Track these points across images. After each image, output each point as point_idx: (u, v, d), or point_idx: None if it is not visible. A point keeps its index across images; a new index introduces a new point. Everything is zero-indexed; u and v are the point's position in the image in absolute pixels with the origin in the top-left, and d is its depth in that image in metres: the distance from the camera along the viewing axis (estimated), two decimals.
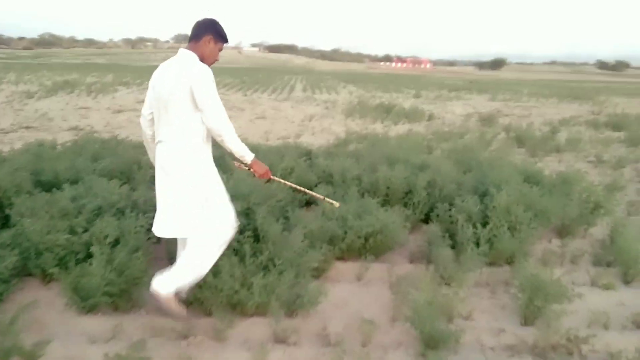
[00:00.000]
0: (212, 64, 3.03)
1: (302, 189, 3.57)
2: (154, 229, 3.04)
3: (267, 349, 2.75)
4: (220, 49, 3.08)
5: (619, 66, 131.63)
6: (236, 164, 3.23)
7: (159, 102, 2.91)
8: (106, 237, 3.49)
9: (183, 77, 2.80)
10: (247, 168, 3.15)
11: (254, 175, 3.16)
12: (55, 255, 3.37)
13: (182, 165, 2.89)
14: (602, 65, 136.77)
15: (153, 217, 3.09)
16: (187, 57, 2.92)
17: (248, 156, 3.03)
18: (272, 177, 3.25)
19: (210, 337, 2.93)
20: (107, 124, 11.14)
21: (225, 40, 3.08)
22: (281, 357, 2.74)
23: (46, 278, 3.47)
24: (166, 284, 2.85)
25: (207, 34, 2.96)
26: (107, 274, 3.10)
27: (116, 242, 3.47)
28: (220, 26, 3.03)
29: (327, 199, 3.56)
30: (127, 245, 3.41)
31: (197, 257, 2.94)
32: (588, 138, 10.69)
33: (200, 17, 3.05)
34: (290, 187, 3.54)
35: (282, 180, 3.47)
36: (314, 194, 3.64)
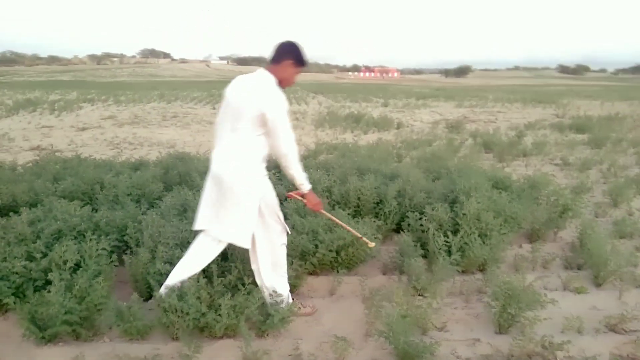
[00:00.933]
0: (287, 87, 3.06)
1: (344, 225, 3.57)
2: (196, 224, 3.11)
3: None
4: (299, 73, 3.10)
5: (580, 70, 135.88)
6: (288, 193, 3.32)
7: (225, 113, 2.99)
8: (66, 262, 3.33)
9: (257, 98, 2.86)
10: (300, 197, 3.20)
11: (305, 205, 3.28)
12: (11, 283, 3.19)
13: (232, 177, 2.96)
14: (563, 69, 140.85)
15: (115, 239, 3.04)
16: (265, 79, 2.95)
17: (306, 185, 3.11)
18: (322, 210, 3.31)
19: None
20: (70, 142, 10.83)
21: (305, 65, 3.08)
22: None
23: (2, 308, 3.28)
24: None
25: (288, 58, 2.98)
26: (67, 301, 2.95)
27: (77, 267, 3.32)
28: (301, 50, 3.03)
29: (364, 239, 3.58)
30: (87, 270, 3.26)
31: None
32: (553, 141, 10.90)
33: (282, 40, 3.07)
34: (334, 222, 3.56)
35: (329, 215, 3.49)
36: (353, 231, 3.60)
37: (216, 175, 3.02)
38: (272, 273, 3.19)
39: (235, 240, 3.04)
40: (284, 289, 3.24)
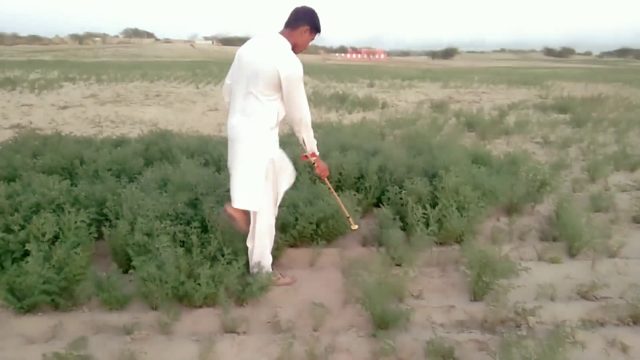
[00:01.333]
0: (300, 52, 3.06)
1: (339, 200, 3.63)
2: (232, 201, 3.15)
3: (215, 339, 2.67)
4: (313, 39, 3.10)
5: (565, 52, 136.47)
6: (303, 155, 3.39)
7: (240, 75, 3.00)
8: (44, 234, 3.32)
9: (273, 62, 2.84)
10: (312, 162, 3.35)
11: (314, 170, 3.44)
12: None
13: (248, 136, 2.99)
14: (549, 51, 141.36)
15: (94, 212, 3.31)
16: (281, 43, 2.95)
17: (316, 151, 3.28)
18: (326, 177, 3.48)
19: (156, 331, 2.83)
20: (51, 120, 10.66)
21: (320, 32, 3.10)
22: (230, 347, 2.67)
23: None
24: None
25: (305, 24, 3.00)
26: (45, 271, 2.95)
27: (55, 239, 3.31)
28: (318, 17, 3.05)
29: (351, 220, 3.63)
30: (66, 241, 3.25)
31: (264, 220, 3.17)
32: (536, 120, 10.99)
33: (299, 5, 3.07)
34: (331, 192, 3.65)
35: (330, 185, 3.64)
36: (344, 209, 3.65)
37: (230, 140, 3.10)
38: (265, 240, 3.23)
39: (242, 206, 3.08)
40: (268, 257, 3.30)
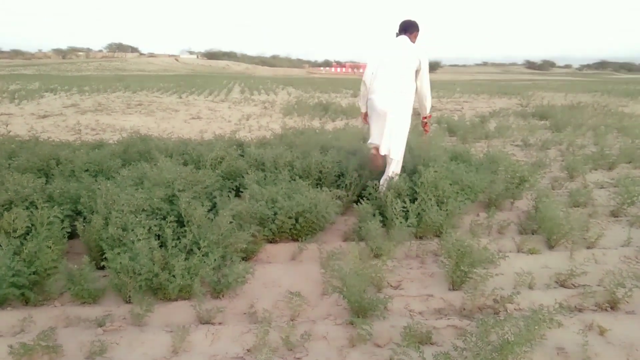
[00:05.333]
0: None
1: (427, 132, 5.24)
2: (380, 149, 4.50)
3: (189, 330, 2.62)
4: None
5: (546, 65, 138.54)
6: (423, 117, 4.93)
7: (388, 65, 4.42)
8: (15, 230, 3.25)
9: (414, 54, 4.40)
10: (426, 121, 4.98)
11: (424, 126, 5.06)
12: None
13: (402, 107, 4.43)
14: (530, 64, 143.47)
15: (68, 209, 3.53)
16: (410, 42, 4.50)
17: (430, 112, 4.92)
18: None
19: (129, 323, 2.76)
20: (30, 128, 10.48)
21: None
22: (204, 337, 2.61)
23: None
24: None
25: (415, 31, 4.58)
26: (14, 264, 2.87)
27: (27, 235, 3.24)
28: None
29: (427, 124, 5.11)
30: (38, 236, 3.17)
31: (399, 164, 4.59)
32: (516, 126, 11.09)
33: (407, 18, 4.64)
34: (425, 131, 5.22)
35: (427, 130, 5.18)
36: (426, 126, 5.13)
37: (384, 110, 4.39)
38: (399, 169, 4.59)
39: (395, 156, 4.48)
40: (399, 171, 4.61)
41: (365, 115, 4.78)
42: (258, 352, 2.48)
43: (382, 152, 4.43)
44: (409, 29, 4.53)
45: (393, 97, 4.36)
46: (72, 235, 3.69)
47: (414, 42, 4.49)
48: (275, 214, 3.84)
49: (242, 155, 5.50)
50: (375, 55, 4.51)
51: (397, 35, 4.56)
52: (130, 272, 2.90)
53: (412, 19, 4.60)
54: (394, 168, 4.51)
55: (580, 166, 6.14)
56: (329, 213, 3.91)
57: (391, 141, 4.40)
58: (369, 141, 4.61)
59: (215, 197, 4.08)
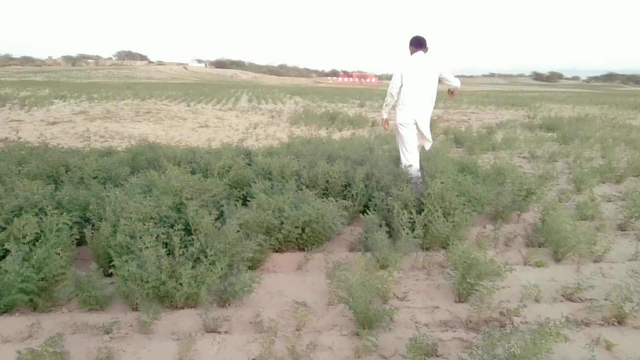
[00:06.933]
0: None
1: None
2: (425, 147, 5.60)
3: (195, 338, 2.62)
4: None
5: (553, 77, 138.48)
6: (450, 92, 5.58)
7: (415, 80, 5.19)
8: (25, 236, 3.28)
9: (437, 65, 5.21)
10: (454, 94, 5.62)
11: (452, 93, 5.59)
12: None
13: (430, 113, 5.36)
14: (538, 76, 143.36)
15: (77, 216, 3.59)
16: (428, 56, 5.24)
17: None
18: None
19: (135, 330, 2.78)
20: (40, 135, 10.62)
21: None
22: (210, 345, 2.62)
23: None
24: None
25: (426, 45, 5.25)
26: (23, 270, 2.89)
27: (36, 241, 3.26)
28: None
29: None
30: (47, 242, 3.20)
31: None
32: (523, 138, 11.08)
33: (419, 34, 5.34)
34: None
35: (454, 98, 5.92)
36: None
37: (421, 119, 5.26)
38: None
39: (429, 147, 5.62)
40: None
41: (386, 121, 5.69)
42: None
43: (427, 146, 5.60)
44: (423, 44, 5.23)
45: (427, 107, 5.28)
46: (81, 242, 3.72)
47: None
48: (281, 223, 3.85)
49: (250, 164, 5.54)
50: (401, 71, 5.20)
51: (413, 51, 5.25)
52: (138, 280, 2.91)
53: (419, 34, 5.27)
54: (428, 147, 5.66)
55: (587, 179, 6.12)
56: (336, 224, 3.92)
57: (429, 137, 5.47)
58: (407, 163, 5.25)
59: (222, 205, 4.10)
